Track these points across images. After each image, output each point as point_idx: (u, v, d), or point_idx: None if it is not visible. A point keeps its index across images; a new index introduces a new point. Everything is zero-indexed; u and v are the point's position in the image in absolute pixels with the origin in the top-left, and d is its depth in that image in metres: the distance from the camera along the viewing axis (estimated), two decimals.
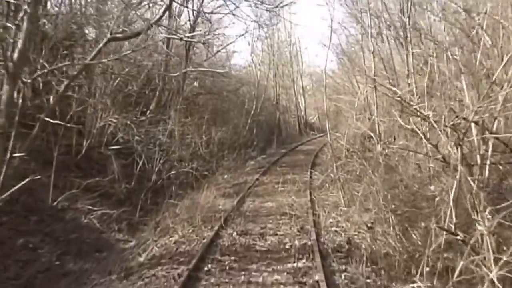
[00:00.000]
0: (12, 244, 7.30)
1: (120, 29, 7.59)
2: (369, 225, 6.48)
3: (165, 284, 5.47)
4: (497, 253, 4.23)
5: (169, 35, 10.86)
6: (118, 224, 9.29)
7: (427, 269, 4.90)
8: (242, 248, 6.77)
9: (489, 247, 4.19)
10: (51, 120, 6.57)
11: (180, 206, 9.26)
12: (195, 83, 18.40)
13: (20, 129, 6.29)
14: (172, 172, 11.97)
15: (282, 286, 5.33)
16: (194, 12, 16.58)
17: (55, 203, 8.96)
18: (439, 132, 4.47)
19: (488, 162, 5.03)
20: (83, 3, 12.54)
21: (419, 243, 5.82)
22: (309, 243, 6.83)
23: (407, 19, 9.24)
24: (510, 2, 5.31)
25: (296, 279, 5.49)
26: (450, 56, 5.02)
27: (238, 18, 14.92)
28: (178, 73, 14.35)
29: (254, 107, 23.84)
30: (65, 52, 11.15)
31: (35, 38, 10.80)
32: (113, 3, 12.67)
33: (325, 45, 26.14)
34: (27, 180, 5.36)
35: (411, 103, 5.00)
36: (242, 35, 22.13)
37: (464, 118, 4.55)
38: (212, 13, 16.52)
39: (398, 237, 5.98)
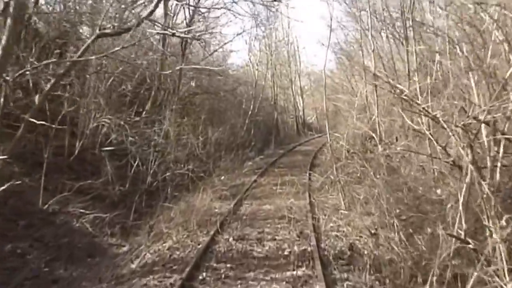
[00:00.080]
0: None
1: (110, 25, 7.28)
2: (372, 231, 6.17)
3: None
4: (510, 262, 3.96)
5: (161, 31, 10.51)
6: (111, 228, 9.02)
7: (435, 277, 4.63)
8: (238, 255, 6.47)
9: (502, 257, 3.92)
10: (35, 121, 6.24)
11: (175, 210, 8.95)
12: (192, 83, 18.13)
13: (4, 130, 5.99)
14: (168, 173, 11.67)
15: None
16: (190, 9, 16.27)
17: (46, 206, 8.69)
18: (450, 133, 4.17)
19: (499, 164, 4.74)
20: (77, 0, 12.22)
21: (424, 249, 5.55)
22: (309, 249, 6.54)
23: (410, 15, 8.95)
24: None
25: None
26: (459, 52, 4.71)
27: (235, 14, 14.58)
28: (172, 71, 14.02)
29: (251, 107, 23.63)
30: (58, 51, 10.86)
31: (26, 36, 10.59)
32: (107, 1, 12.38)
33: (323, 44, 26.00)
34: (7, 185, 5.05)
35: (418, 102, 4.71)
36: (240, 34, 21.87)
37: (474, 118, 4.27)
38: (208, 8, 16.18)
39: (402, 243, 5.69)
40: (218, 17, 18.03)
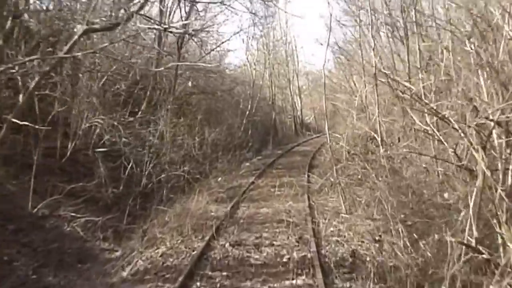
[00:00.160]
0: None
1: (98, 20, 6.97)
2: (377, 238, 5.88)
3: None
4: None
5: (152, 26, 10.16)
6: (103, 232, 8.67)
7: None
8: (235, 262, 6.17)
9: None
10: (18, 122, 5.93)
11: (170, 213, 8.67)
12: (189, 83, 17.82)
13: None
14: (163, 175, 11.36)
15: None
16: (187, 7, 15.96)
17: (35, 210, 8.36)
18: (461, 134, 3.89)
19: (511, 167, 4.46)
20: None
21: (430, 255, 5.26)
22: (309, 255, 6.25)
23: (413, 11, 8.67)
24: None
25: None
26: (468, 48, 4.42)
27: (232, 10, 14.27)
28: (167, 67, 13.71)
29: (249, 107, 23.32)
30: (49, 49, 10.54)
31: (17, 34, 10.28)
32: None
33: (321, 44, 25.75)
34: None
35: (426, 101, 4.42)
36: (237, 33, 21.42)
37: (487, 118, 3.98)
38: (206, 1, 15.83)
39: (407, 249, 5.40)
40: (215, 15, 17.78)
